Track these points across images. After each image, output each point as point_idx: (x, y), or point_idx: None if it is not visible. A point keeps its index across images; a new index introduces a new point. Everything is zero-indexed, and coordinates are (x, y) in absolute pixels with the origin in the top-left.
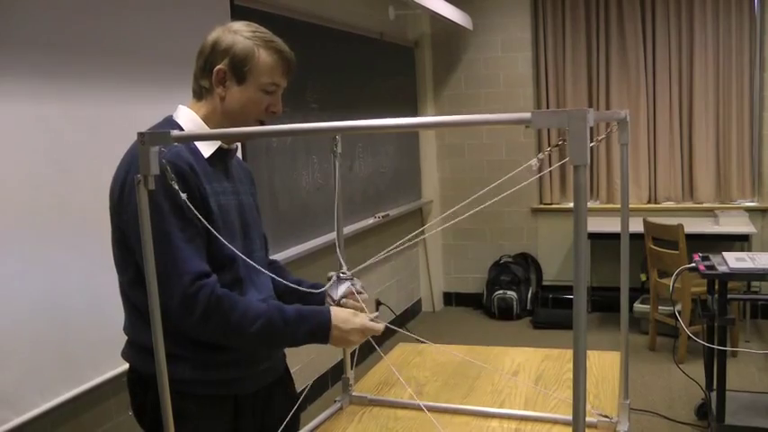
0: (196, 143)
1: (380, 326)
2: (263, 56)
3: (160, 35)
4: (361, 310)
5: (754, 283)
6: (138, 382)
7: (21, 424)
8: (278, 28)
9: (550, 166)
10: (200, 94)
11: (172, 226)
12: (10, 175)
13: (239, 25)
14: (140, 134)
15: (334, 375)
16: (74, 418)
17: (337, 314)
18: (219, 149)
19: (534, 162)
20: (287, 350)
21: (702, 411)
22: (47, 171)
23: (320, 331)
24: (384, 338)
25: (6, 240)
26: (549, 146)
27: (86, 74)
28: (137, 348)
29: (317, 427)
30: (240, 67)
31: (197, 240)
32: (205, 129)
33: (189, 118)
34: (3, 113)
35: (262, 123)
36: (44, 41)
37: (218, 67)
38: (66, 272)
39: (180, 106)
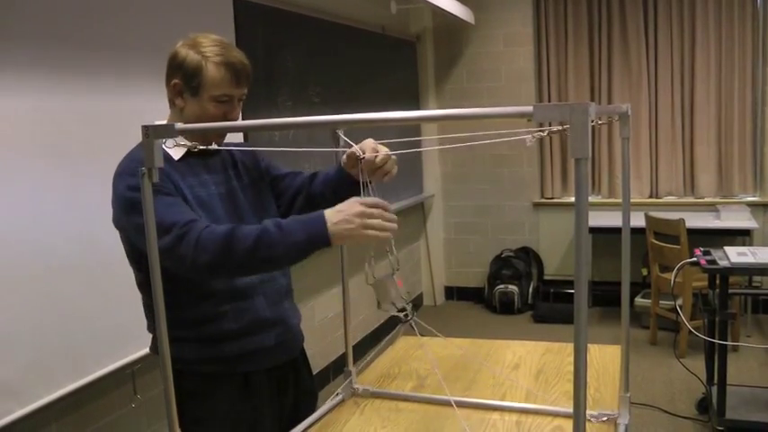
0: (166, 149)
1: (381, 202)
2: (211, 69)
3: (163, 28)
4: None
5: (755, 278)
6: None
7: (24, 415)
8: (280, 22)
9: (551, 160)
10: (170, 105)
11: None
12: (13, 170)
13: (200, 38)
14: (144, 127)
15: (336, 369)
16: (77, 409)
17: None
18: (190, 152)
19: (530, 138)
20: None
21: (703, 406)
22: (50, 165)
23: (316, 224)
24: (386, 332)
25: (10, 234)
26: (551, 141)
27: (89, 68)
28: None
29: (319, 419)
30: (191, 80)
31: (179, 203)
32: (179, 140)
33: None
34: (6, 107)
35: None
36: (47, 35)
37: (173, 81)
38: (70, 265)
39: (157, 122)
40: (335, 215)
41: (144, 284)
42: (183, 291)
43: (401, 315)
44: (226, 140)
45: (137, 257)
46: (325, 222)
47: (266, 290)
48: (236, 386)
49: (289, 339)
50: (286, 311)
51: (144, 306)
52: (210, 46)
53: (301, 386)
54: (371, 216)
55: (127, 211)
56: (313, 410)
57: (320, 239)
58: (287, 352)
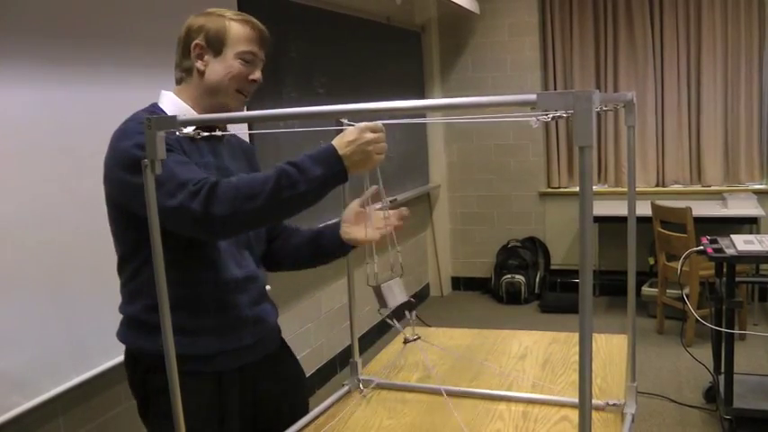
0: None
1: (379, 126)
2: (236, 27)
3: (164, 19)
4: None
5: (762, 266)
6: (129, 359)
7: (31, 408)
8: (284, 13)
9: (558, 149)
10: (180, 78)
11: (167, 160)
12: (15, 161)
13: (211, 9)
14: (147, 119)
15: (342, 361)
16: (83, 402)
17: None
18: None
19: (534, 120)
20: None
21: (710, 395)
22: (51, 157)
23: (329, 153)
24: (390, 325)
25: (13, 226)
26: (557, 130)
27: (90, 59)
28: (126, 325)
29: (325, 410)
30: (215, 40)
31: (191, 162)
32: (189, 111)
33: (171, 102)
34: (7, 98)
35: (243, 95)
36: (47, 27)
37: (194, 41)
38: (75, 258)
39: (163, 92)
40: (347, 146)
41: (126, 260)
42: (171, 270)
43: (409, 338)
44: (233, 128)
45: (124, 224)
46: (340, 156)
47: (250, 288)
48: (207, 384)
49: (266, 337)
50: (265, 311)
51: (122, 288)
52: (227, 11)
53: (283, 374)
54: (378, 140)
55: (132, 170)
56: (303, 393)
57: (338, 173)
58: (263, 349)
